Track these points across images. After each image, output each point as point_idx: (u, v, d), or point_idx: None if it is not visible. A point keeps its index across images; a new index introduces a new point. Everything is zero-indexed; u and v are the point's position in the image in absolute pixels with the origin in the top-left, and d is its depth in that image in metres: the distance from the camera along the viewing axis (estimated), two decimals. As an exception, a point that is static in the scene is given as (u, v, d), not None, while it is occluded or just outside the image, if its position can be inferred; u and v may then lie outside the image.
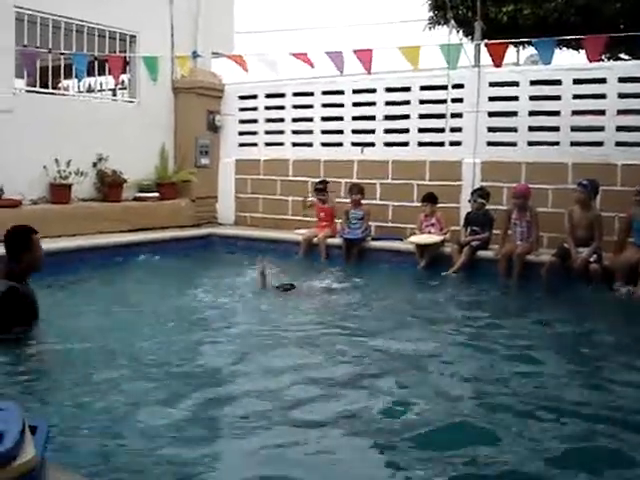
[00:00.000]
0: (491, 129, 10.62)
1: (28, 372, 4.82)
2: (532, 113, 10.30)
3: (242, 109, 13.02)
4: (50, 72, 11.32)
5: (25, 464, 2.02)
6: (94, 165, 11.40)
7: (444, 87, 10.79)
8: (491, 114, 10.61)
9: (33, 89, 11.38)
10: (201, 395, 4.44)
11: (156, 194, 12.09)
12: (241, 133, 13.03)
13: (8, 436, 2.02)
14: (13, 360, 5.02)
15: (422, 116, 11.14)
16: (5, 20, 10.37)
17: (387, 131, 11.43)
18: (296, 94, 12.34)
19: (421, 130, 11.14)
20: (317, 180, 11.24)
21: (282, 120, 12.50)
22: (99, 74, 12.81)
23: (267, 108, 12.71)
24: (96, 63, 12.00)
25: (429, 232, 10.05)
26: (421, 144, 11.11)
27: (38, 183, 10.61)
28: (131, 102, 12.54)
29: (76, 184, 10.87)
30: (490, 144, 10.57)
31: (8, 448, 1.98)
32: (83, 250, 9.61)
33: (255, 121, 12.83)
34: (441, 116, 10.90)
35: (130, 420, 4.00)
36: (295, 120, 12.37)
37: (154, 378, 4.78)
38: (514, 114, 10.43)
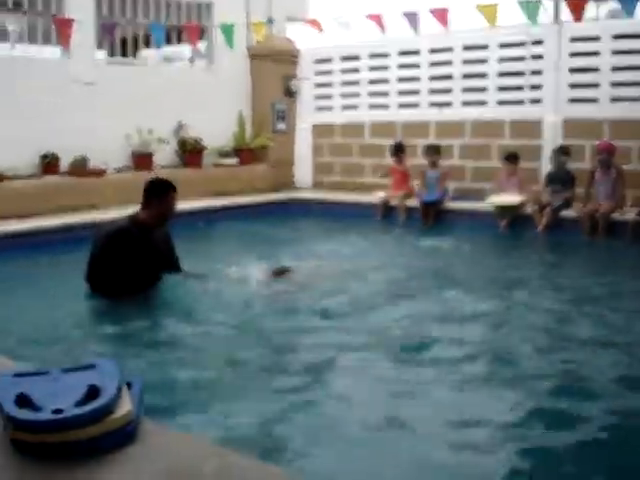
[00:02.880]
0: (572, 86, 10.34)
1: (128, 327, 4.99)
2: (615, 68, 9.98)
3: (317, 73, 13.00)
4: (130, 42, 11.51)
5: (121, 418, 2.10)
6: (175, 133, 11.58)
7: (523, 44, 10.57)
8: (572, 70, 10.33)
9: (114, 60, 11.59)
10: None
11: (235, 160, 12.23)
12: (317, 97, 13.02)
13: (105, 391, 2.11)
14: (121, 315, 5.22)
15: (501, 74, 10.92)
16: (85, -8, 10.58)
17: (465, 90, 11.24)
18: (371, 56, 12.24)
19: (500, 89, 10.92)
20: (393, 143, 11.18)
21: (358, 83, 12.42)
22: (177, 43, 12.94)
23: (342, 71, 12.64)
24: (174, 32, 12.13)
25: (510, 192, 9.90)
26: (500, 103, 10.91)
27: (121, 152, 10.85)
28: (209, 70, 12.65)
29: (158, 152, 11.08)
30: (571, 101, 10.31)
31: (105, 402, 2.07)
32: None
33: (330, 85, 12.79)
34: (520, 74, 10.68)
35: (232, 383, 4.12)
36: (371, 82, 12.28)
37: (254, 343, 4.88)
38: (596, 70, 10.14)
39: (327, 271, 6.83)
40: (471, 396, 3.93)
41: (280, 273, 6.37)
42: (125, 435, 2.11)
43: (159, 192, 5.67)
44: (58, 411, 1.99)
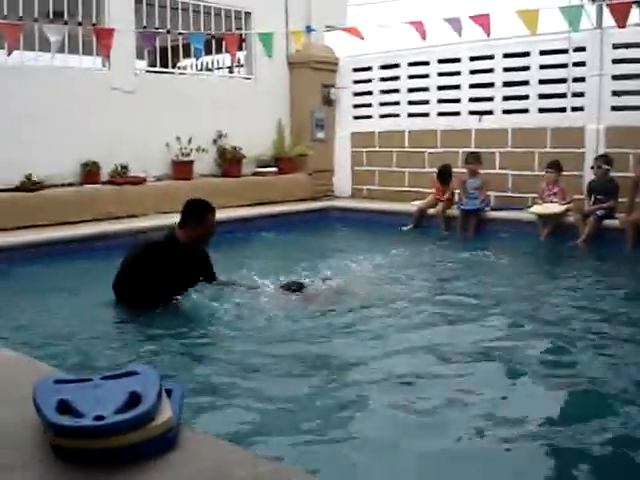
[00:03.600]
0: (616, 93, 10.19)
1: (163, 335, 5.01)
2: (660, 75, 9.82)
3: (356, 81, 12.99)
4: (169, 52, 11.59)
5: (162, 425, 2.09)
6: (214, 142, 11.65)
7: (565, 51, 10.45)
8: (615, 77, 10.17)
9: (153, 69, 11.69)
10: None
11: (274, 169, 12.25)
12: (356, 106, 13.00)
13: (146, 398, 2.09)
14: (157, 324, 5.23)
15: (542, 82, 10.80)
16: (125, 3, 10.69)
17: (506, 98, 11.14)
18: (411, 64, 12.18)
19: (541, 96, 10.80)
20: (438, 169, 10.90)
21: (397, 91, 12.38)
22: (216, 52, 13.03)
23: (382, 79, 12.61)
24: (213, 41, 12.19)
25: (551, 201, 9.77)
26: (542, 110, 10.78)
27: (161, 160, 10.93)
28: (248, 79, 12.70)
29: (197, 160, 11.14)
30: (615, 109, 10.15)
31: (146, 409, 2.05)
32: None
33: (370, 93, 12.77)
34: (562, 81, 10.56)
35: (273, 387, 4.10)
36: (410, 90, 12.22)
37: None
38: (640, 77, 9.98)
39: (349, 287, 6.52)
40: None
41: (290, 289, 5.97)
42: (165, 442, 2.10)
43: (196, 214, 5.62)
44: (99, 418, 1.98)
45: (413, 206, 10.85)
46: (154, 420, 2.08)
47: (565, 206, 9.60)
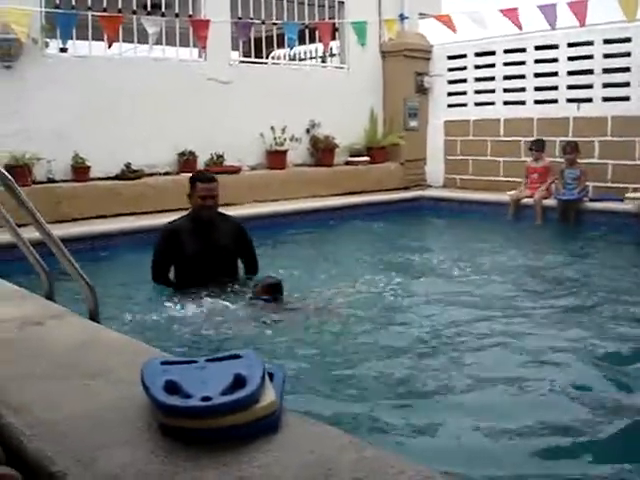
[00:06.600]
0: None
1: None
2: None
3: (450, 69, 12.82)
4: (263, 42, 11.70)
5: (266, 407, 2.10)
6: (307, 131, 11.71)
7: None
8: None
9: (247, 60, 11.81)
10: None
11: (366, 158, 12.23)
12: (450, 94, 12.84)
13: (251, 381, 2.12)
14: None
15: (645, 68, 10.44)
16: (221, -6, 10.84)
17: (606, 85, 10.80)
18: (507, 51, 11.95)
19: (644, 83, 10.44)
20: (531, 139, 10.88)
21: (492, 79, 12.16)
22: (309, 42, 13.07)
23: (476, 67, 12.41)
24: (306, 31, 12.24)
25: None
26: (644, 98, 10.43)
27: (255, 150, 11.06)
28: (341, 68, 12.70)
29: (291, 150, 11.22)
30: None
31: (251, 392, 2.08)
32: (298, 213, 9.90)
33: (464, 81, 12.59)
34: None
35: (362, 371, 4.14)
36: (506, 78, 11.99)
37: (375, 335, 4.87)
38: None
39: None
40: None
41: (266, 291, 5.32)
42: (269, 424, 2.11)
43: (190, 185, 5.74)
44: (206, 399, 2.01)
45: (509, 196, 10.63)
46: (258, 402, 2.09)
47: (668, 196, 9.28)
